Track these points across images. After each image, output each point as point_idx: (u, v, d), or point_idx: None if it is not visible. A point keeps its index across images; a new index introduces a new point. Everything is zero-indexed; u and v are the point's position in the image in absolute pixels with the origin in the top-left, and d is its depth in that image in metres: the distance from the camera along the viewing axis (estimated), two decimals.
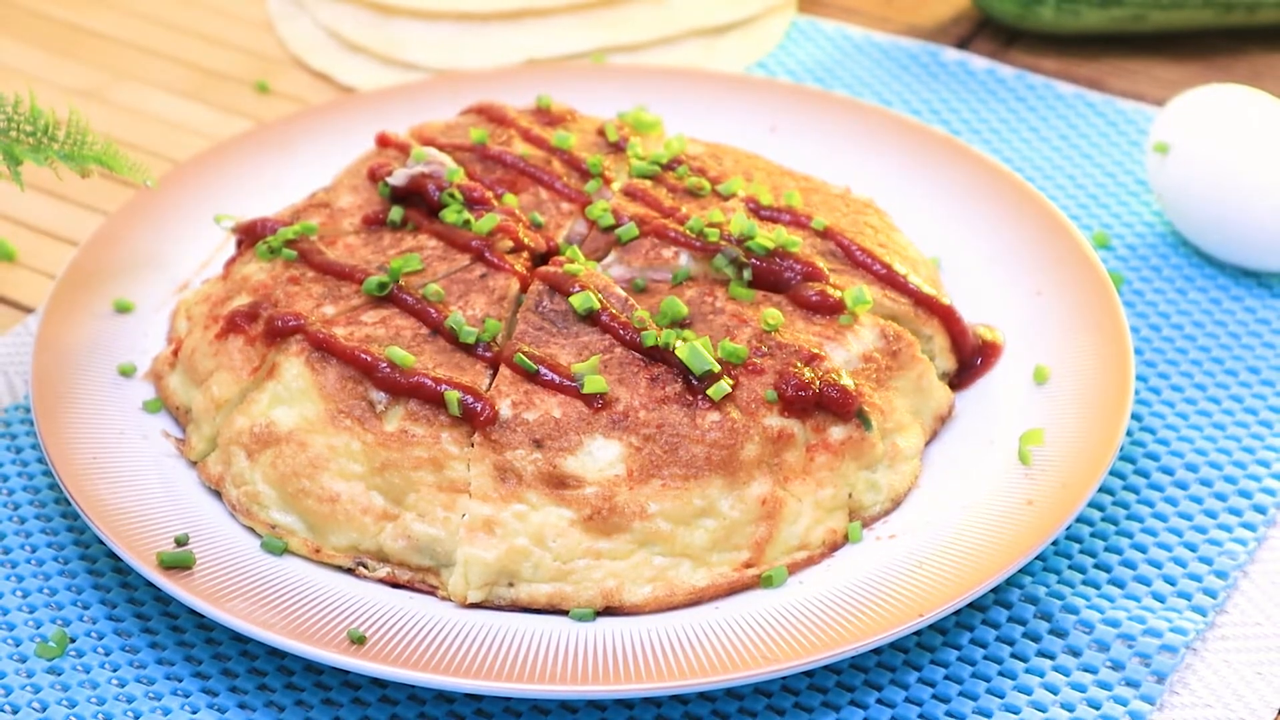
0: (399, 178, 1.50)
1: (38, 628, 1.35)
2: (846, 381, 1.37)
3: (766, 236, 1.45)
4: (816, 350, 1.38)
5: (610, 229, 1.49)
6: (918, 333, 1.46)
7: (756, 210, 1.50)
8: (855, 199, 1.56)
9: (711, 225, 1.47)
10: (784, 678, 1.30)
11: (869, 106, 1.71)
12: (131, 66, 1.94)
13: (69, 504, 1.44)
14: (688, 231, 1.46)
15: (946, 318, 1.47)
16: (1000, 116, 1.83)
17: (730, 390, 1.34)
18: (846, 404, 1.36)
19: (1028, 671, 1.32)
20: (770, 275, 1.44)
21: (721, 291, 1.43)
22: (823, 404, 1.36)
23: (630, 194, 1.52)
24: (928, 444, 1.43)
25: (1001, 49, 1.94)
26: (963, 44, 1.95)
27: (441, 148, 1.56)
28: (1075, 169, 1.76)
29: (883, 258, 1.48)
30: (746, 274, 1.44)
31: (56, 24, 2.00)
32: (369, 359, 1.36)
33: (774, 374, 1.36)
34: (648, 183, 1.53)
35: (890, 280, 1.46)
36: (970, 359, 1.48)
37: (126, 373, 1.48)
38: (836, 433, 1.37)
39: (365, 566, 1.35)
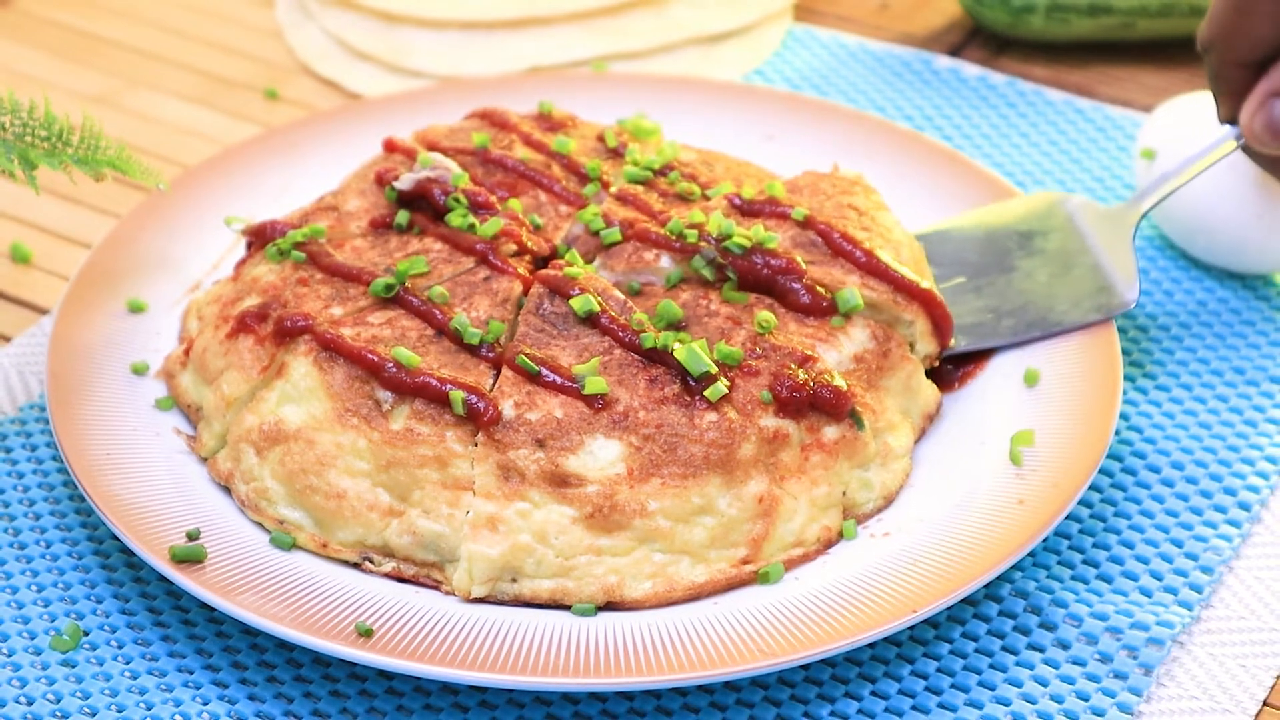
0: (405, 182, 1.50)
1: (52, 621, 1.36)
2: (839, 382, 1.37)
3: (743, 234, 1.44)
4: (809, 352, 1.38)
5: (599, 233, 1.49)
6: (899, 319, 1.46)
7: (740, 205, 1.49)
8: (841, 177, 1.55)
9: (691, 226, 1.46)
10: (780, 671, 1.30)
11: (863, 114, 1.71)
12: (144, 73, 1.94)
13: (83, 500, 1.44)
14: (668, 234, 1.46)
15: (927, 302, 1.46)
16: (991, 122, 1.83)
17: (727, 391, 1.35)
18: (839, 404, 1.37)
19: (1018, 664, 1.33)
20: (750, 272, 1.43)
21: (716, 295, 1.43)
22: (816, 404, 1.37)
23: (621, 199, 1.52)
24: (917, 442, 1.43)
25: (993, 56, 1.94)
26: (955, 52, 1.95)
27: (444, 151, 1.56)
28: (1065, 174, 1.76)
29: (863, 244, 1.46)
30: (730, 275, 1.44)
31: (70, 32, 2.00)
32: (375, 359, 1.37)
33: (769, 375, 1.37)
34: (639, 188, 1.53)
35: (870, 268, 1.45)
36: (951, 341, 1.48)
37: (139, 371, 1.48)
38: (830, 432, 1.37)
39: (371, 561, 1.35)
